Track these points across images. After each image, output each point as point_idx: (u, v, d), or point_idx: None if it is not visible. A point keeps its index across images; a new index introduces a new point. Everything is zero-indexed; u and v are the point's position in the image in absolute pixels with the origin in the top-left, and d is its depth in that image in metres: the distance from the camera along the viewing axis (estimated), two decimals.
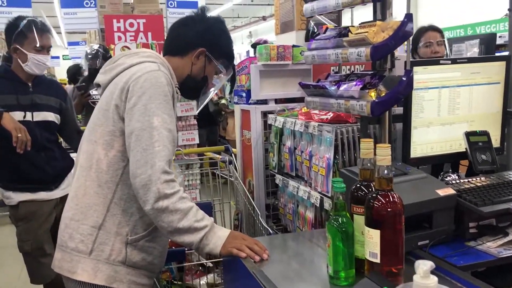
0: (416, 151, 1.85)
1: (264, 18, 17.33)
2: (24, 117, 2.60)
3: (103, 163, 1.60)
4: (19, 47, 2.56)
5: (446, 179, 1.88)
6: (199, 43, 1.75)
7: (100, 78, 1.72)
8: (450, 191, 1.59)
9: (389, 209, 1.29)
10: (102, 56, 4.29)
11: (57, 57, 18.41)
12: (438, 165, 2.06)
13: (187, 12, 9.31)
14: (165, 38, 1.88)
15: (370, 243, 1.31)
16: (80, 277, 1.57)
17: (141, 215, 1.61)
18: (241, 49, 18.75)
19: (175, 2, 8.39)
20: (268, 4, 15.25)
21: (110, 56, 4.28)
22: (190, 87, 1.81)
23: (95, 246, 1.58)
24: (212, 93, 1.90)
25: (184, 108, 5.86)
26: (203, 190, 3.47)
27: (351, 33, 1.74)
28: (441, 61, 1.80)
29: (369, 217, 1.32)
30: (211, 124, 7.24)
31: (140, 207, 1.54)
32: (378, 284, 1.09)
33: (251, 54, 6.16)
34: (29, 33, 2.55)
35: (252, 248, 1.54)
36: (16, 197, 2.64)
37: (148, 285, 1.70)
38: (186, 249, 1.91)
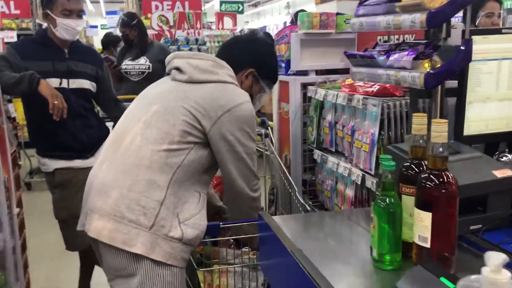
0: (470, 128, 1.71)
1: None
2: (60, 84, 2.57)
3: (174, 146, 1.67)
4: (49, 12, 2.52)
5: (502, 159, 1.74)
6: (248, 63, 1.88)
7: (188, 68, 1.77)
8: (508, 172, 1.46)
9: (443, 190, 1.19)
10: (122, 24, 4.30)
11: (95, 26, 18.57)
12: (493, 144, 1.91)
13: None
14: (220, 52, 1.98)
15: (420, 226, 1.22)
16: (138, 249, 1.59)
17: (186, 200, 1.70)
18: (278, 20, 18.40)
19: None
20: None
21: (134, 24, 4.28)
22: None
23: (156, 220, 1.61)
24: (256, 108, 1.98)
25: None
26: None
27: None
28: (504, 30, 1.64)
29: (420, 198, 1.22)
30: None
31: (194, 189, 1.74)
32: (433, 273, 0.99)
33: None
34: None
35: None
36: (51, 164, 2.64)
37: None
38: (220, 224, 1.86)
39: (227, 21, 8.00)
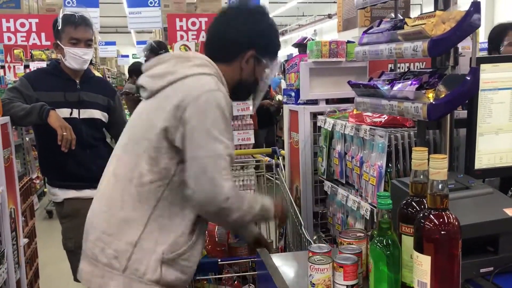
0: (482, 161, 1.60)
1: (329, 16, 16.98)
2: (71, 114, 2.59)
3: (146, 179, 1.52)
4: (59, 42, 2.55)
5: None
6: (246, 45, 1.63)
7: (146, 82, 1.59)
8: None
9: (443, 232, 1.10)
10: (150, 49, 4.25)
11: (127, 56, 19.12)
12: (508, 178, 1.79)
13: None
14: (207, 38, 1.72)
15: (419, 270, 1.13)
16: None
17: (179, 233, 1.55)
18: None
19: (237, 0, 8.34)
20: (334, 2, 14.91)
21: (160, 52, 4.24)
22: (240, 93, 1.72)
23: (129, 263, 1.52)
24: (265, 89, 1.77)
25: (240, 108, 5.79)
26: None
27: (407, 25, 1.53)
28: None
29: (418, 240, 1.13)
30: (271, 124, 7.12)
31: (180, 225, 1.54)
32: None
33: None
34: (64, 27, 2.53)
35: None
36: (61, 194, 2.64)
37: None
38: (219, 260, 1.79)
39: None
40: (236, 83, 1.66)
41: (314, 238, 2.30)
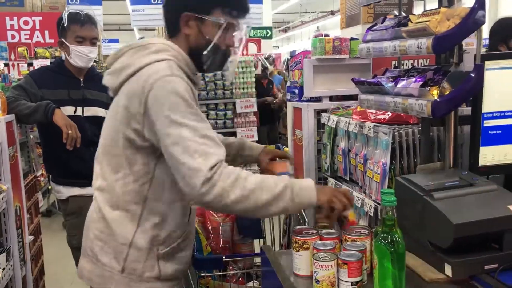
0: (486, 158, 1.60)
1: (332, 13, 16.95)
2: (75, 111, 2.59)
3: (128, 179, 1.50)
4: (64, 40, 2.56)
5: None
6: (179, 9, 1.50)
7: (108, 81, 1.55)
8: None
9: None
10: None
11: None
12: None
13: (252, 7, 9.27)
14: None
15: None
16: None
17: (174, 228, 1.55)
18: (307, 45, 18.47)
19: None
20: None
21: None
22: (202, 62, 1.55)
23: (126, 263, 1.52)
24: (240, 49, 1.61)
25: (243, 105, 5.82)
26: None
27: (411, 22, 1.53)
28: None
29: None
30: (272, 121, 7.13)
31: (172, 219, 1.53)
32: None
33: None
34: (70, 25, 2.53)
35: (342, 201, 1.44)
36: (65, 191, 2.65)
37: None
38: (224, 256, 1.80)
39: (252, 47, 8.04)
40: (191, 54, 1.54)
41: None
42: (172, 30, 1.55)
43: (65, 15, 2.54)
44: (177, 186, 1.41)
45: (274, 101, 6.85)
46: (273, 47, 17.53)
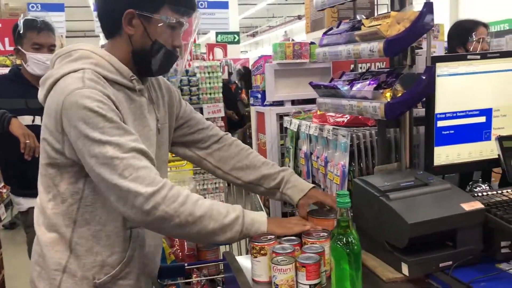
0: (441, 158, 1.64)
1: (299, 17, 17.13)
2: (33, 121, 2.53)
3: (58, 199, 1.40)
4: (20, 48, 2.50)
5: (475, 189, 1.66)
6: (121, 7, 1.37)
7: (39, 93, 1.44)
8: (477, 205, 1.39)
9: None
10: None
11: None
12: (467, 174, 1.84)
13: (217, 12, 9.17)
14: None
15: None
16: None
17: (109, 253, 1.42)
18: None
19: (205, 2, 8.32)
20: (303, 3, 15.06)
21: None
22: (143, 65, 1.42)
23: None
24: (189, 48, 1.54)
25: (211, 110, 5.78)
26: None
27: (364, 26, 1.55)
28: (469, 57, 1.59)
29: None
30: (240, 126, 7.13)
31: (107, 244, 1.41)
32: None
33: None
34: (26, 32, 2.49)
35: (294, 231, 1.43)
36: (25, 203, 2.59)
37: None
38: (186, 264, 1.78)
39: (218, 52, 8.05)
40: (135, 57, 1.42)
41: None
42: (111, 31, 1.42)
43: (21, 22, 2.49)
44: (111, 207, 1.33)
45: (233, 115, 6.88)
46: (241, 52, 17.57)
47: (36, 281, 1.45)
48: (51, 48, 2.55)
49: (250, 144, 7.08)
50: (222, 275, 2.00)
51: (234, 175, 1.68)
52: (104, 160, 1.25)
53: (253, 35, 22.66)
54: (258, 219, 1.40)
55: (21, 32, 2.49)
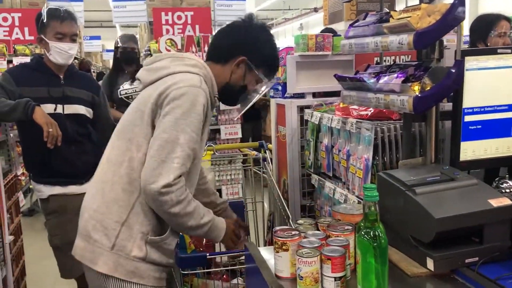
0: (467, 153, 1.62)
1: (315, 10, 17.00)
2: (55, 109, 2.55)
3: (135, 162, 1.62)
4: (43, 37, 2.52)
5: (502, 186, 1.64)
6: (239, 51, 1.73)
7: (142, 75, 1.73)
8: (505, 201, 1.37)
9: None
10: (134, 38, 4.22)
11: (112, 50, 18.89)
12: (493, 170, 1.81)
13: (235, 4, 9.16)
14: (210, 43, 1.90)
15: None
16: (101, 268, 1.62)
17: (156, 219, 1.64)
18: (291, 41, 18.49)
19: None
20: None
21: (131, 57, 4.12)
22: (227, 95, 1.80)
23: (117, 241, 1.61)
24: (254, 100, 1.86)
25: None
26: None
27: (393, 18, 1.53)
28: (499, 50, 1.56)
29: None
30: (256, 118, 7.11)
31: None
32: None
33: None
34: (50, 21, 2.50)
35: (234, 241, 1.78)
36: (46, 190, 2.61)
37: (165, 279, 1.74)
38: (207, 254, 1.79)
39: None
40: (225, 85, 1.75)
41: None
42: (220, 57, 1.75)
43: (44, 11, 2.50)
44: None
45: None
46: None
47: (92, 232, 1.64)
48: (73, 38, 2.56)
49: (264, 139, 7.02)
50: (242, 266, 2.00)
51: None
52: (173, 139, 1.53)
53: (269, 27, 22.56)
54: (220, 227, 1.72)
55: (44, 21, 2.51)
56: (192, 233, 1.73)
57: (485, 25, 2.79)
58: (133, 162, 1.62)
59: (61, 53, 2.51)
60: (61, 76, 2.61)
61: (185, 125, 1.55)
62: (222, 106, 5.80)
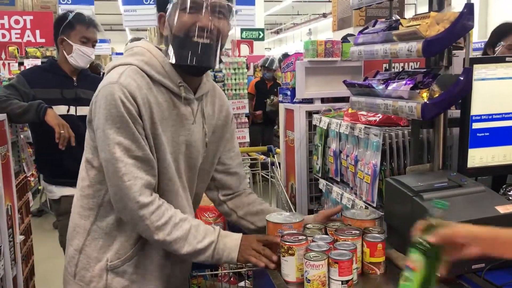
0: (475, 160, 1.63)
1: (324, 15, 17.06)
2: (68, 111, 2.60)
3: (85, 183, 1.49)
4: (66, 38, 2.59)
5: (509, 193, 1.65)
6: (159, 8, 1.43)
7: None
8: None
9: None
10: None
11: (121, 54, 19.04)
12: (500, 177, 1.83)
13: (244, 9, 9.19)
14: None
15: None
16: None
17: (125, 238, 1.47)
18: (299, 46, 18.54)
19: None
20: (329, 1, 14.97)
21: None
22: (177, 60, 1.37)
23: (77, 270, 1.52)
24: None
25: (235, 106, 5.83)
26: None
27: (402, 25, 1.56)
28: (507, 59, 1.57)
29: None
30: (267, 122, 7.14)
31: (124, 230, 1.47)
32: None
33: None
34: (76, 24, 2.59)
35: (265, 255, 1.45)
36: (58, 191, 2.65)
37: None
38: None
39: (244, 48, 8.07)
40: (173, 42, 1.37)
41: None
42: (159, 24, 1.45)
43: (70, 14, 2.59)
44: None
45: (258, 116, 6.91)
46: (265, 48, 17.58)
47: (65, 256, 1.58)
48: (94, 44, 2.65)
49: (275, 141, 7.04)
50: (249, 268, 2.02)
51: (248, 219, 1.72)
52: (110, 158, 1.34)
53: (277, 32, 22.62)
54: (230, 245, 1.45)
55: (73, 23, 2.58)
56: (195, 260, 1.46)
57: (499, 34, 2.78)
58: (83, 182, 1.48)
59: (83, 56, 2.60)
60: (74, 78, 2.67)
61: (114, 134, 1.32)
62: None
